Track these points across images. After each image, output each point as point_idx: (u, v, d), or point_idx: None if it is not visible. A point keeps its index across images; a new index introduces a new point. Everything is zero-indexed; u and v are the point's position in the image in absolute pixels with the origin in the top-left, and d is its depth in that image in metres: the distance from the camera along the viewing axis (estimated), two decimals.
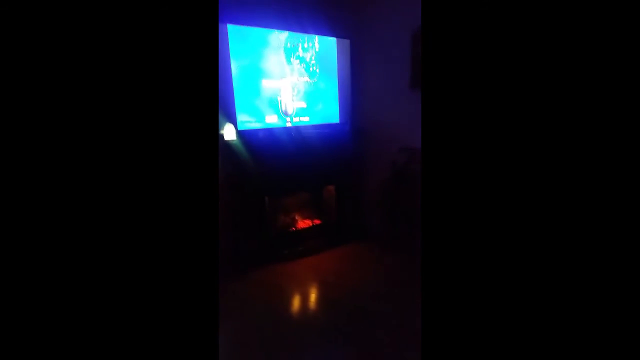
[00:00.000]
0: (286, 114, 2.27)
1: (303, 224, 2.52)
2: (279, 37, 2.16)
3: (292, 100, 2.28)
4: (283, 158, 2.19)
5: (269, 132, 2.19)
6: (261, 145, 2.11)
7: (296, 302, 1.87)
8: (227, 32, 1.97)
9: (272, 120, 2.21)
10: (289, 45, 2.21)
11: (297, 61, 2.27)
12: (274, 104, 2.21)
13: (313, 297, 1.92)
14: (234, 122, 2.05)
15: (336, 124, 2.50)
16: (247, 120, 2.11)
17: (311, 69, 2.33)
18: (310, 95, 2.36)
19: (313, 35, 2.30)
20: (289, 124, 2.28)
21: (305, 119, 2.36)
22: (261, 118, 2.17)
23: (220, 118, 2.04)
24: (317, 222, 2.56)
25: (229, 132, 2.00)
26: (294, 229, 2.46)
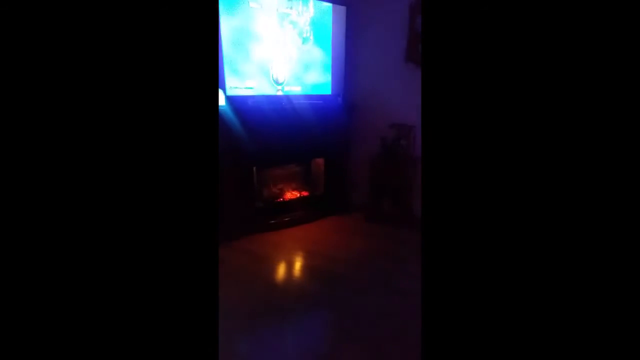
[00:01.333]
0: (277, 82, 2.20)
1: (290, 195, 2.53)
2: None
3: (284, 68, 2.20)
4: (273, 128, 2.15)
5: (259, 99, 2.12)
6: (250, 113, 2.06)
7: (281, 270, 1.92)
8: None
9: (262, 87, 2.14)
10: (281, 5, 2.10)
11: (290, 26, 2.17)
12: (265, 71, 2.13)
13: (298, 265, 1.97)
14: (222, 86, 1.97)
15: (328, 95, 2.45)
16: (236, 86, 2.03)
17: (304, 34, 2.24)
18: (303, 64, 2.29)
19: None
20: (279, 93, 2.22)
21: (296, 89, 2.30)
22: (251, 84, 2.09)
23: None
24: (304, 194, 2.57)
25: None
26: (281, 199, 2.47)
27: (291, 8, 2.13)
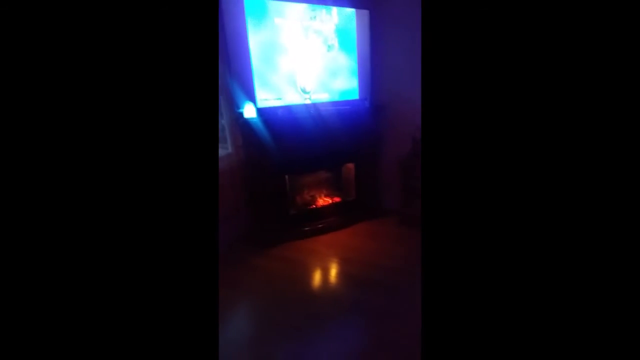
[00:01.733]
0: (305, 90, 2.23)
1: (323, 201, 2.54)
2: (296, 8, 2.09)
3: (311, 76, 2.24)
4: (302, 136, 2.18)
5: (288, 109, 2.17)
6: (280, 124, 2.11)
7: (317, 277, 1.93)
8: (243, 5, 1.92)
9: (291, 98, 2.19)
10: (306, 17, 2.14)
11: (315, 35, 2.20)
12: (293, 81, 2.18)
13: (333, 272, 1.96)
14: (253, 100, 2.04)
15: (355, 100, 2.44)
16: (266, 98, 2.10)
17: (329, 42, 2.26)
18: (329, 71, 2.31)
19: (331, 6, 2.21)
20: (307, 102, 2.25)
21: (324, 96, 2.32)
22: (280, 95, 2.15)
23: (240, 96, 2.03)
24: (336, 199, 2.57)
25: (248, 111, 2.00)
26: (313, 206, 2.49)
27: (315, 18, 2.17)
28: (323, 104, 2.30)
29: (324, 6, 2.18)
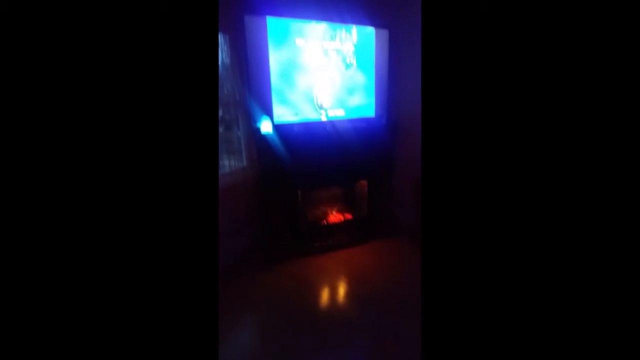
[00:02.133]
0: (321, 107, 2.25)
1: (334, 218, 2.53)
2: (316, 29, 2.12)
3: (328, 93, 2.26)
4: (317, 152, 2.19)
5: (304, 126, 2.19)
6: (296, 139, 2.12)
7: (325, 296, 1.91)
8: (266, 25, 1.96)
9: (307, 114, 2.21)
10: (326, 36, 2.17)
11: (334, 53, 2.22)
12: (310, 98, 2.20)
13: (342, 291, 1.94)
14: (270, 115, 2.07)
15: (371, 118, 2.44)
16: (283, 114, 2.12)
17: (348, 60, 2.28)
18: (346, 89, 2.32)
19: (351, 25, 2.23)
20: (324, 118, 2.27)
21: (340, 113, 2.33)
22: (297, 112, 2.17)
23: (258, 112, 2.06)
24: (348, 216, 2.55)
25: (265, 126, 2.03)
26: (325, 222, 2.48)
27: (334, 37, 2.20)
28: (339, 120, 2.31)
29: (344, 25, 2.21)
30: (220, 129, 2.07)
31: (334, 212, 2.57)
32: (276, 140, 2.06)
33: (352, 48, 2.27)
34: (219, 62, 1.92)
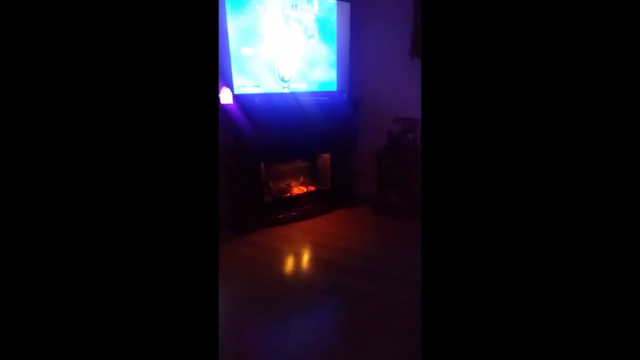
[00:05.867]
0: (283, 79, 2.24)
1: (298, 190, 2.59)
2: None
3: (290, 65, 2.25)
4: (279, 125, 2.20)
5: (266, 98, 2.18)
6: (258, 111, 2.11)
7: (290, 262, 1.99)
8: None
9: (269, 86, 2.19)
10: (288, 5, 2.13)
11: (296, 24, 2.20)
12: (271, 69, 2.18)
13: (306, 257, 2.03)
14: (230, 85, 2.03)
15: (333, 92, 2.48)
16: (243, 85, 2.09)
17: (310, 32, 2.27)
18: (308, 61, 2.32)
19: None
20: (286, 90, 2.27)
21: (302, 86, 2.34)
22: (258, 83, 2.15)
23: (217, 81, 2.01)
24: (311, 188, 2.62)
25: (225, 96, 1.99)
26: (288, 194, 2.53)
27: (296, 7, 2.17)
28: (301, 93, 2.33)
29: None
30: None
31: (298, 185, 2.62)
32: (237, 112, 2.04)
33: (313, 18, 2.26)
34: None
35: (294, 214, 2.41)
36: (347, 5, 2.37)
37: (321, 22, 2.30)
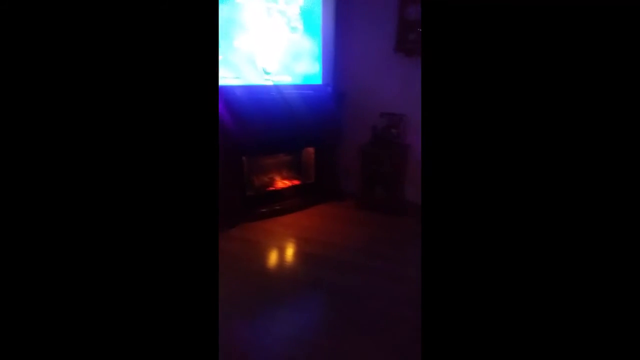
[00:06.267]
0: (266, 71, 2.21)
1: (281, 184, 2.56)
2: None
3: (273, 57, 2.21)
4: (262, 118, 2.16)
5: (248, 90, 2.13)
6: (239, 103, 2.07)
7: (274, 256, 1.97)
8: None
9: (251, 78, 2.15)
10: None
11: (278, 15, 2.16)
12: (253, 61, 2.14)
13: (290, 251, 2.02)
14: None
15: (318, 85, 2.46)
16: (225, 76, 2.04)
17: (293, 24, 2.24)
18: (292, 54, 2.29)
19: None
20: (269, 83, 2.23)
21: (286, 79, 2.31)
22: (239, 74, 2.10)
23: None
24: (295, 182, 2.60)
25: None
26: (272, 188, 2.50)
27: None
28: (285, 86, 2.29)
29: None
30: None
31: (281, 179, 2.60)
32: (218, 103, 1.99)
33: (297, 11, 2.23)
34: None
35: (277, 208, 2.38)
36: None
37: (306, 15, 2.27)
